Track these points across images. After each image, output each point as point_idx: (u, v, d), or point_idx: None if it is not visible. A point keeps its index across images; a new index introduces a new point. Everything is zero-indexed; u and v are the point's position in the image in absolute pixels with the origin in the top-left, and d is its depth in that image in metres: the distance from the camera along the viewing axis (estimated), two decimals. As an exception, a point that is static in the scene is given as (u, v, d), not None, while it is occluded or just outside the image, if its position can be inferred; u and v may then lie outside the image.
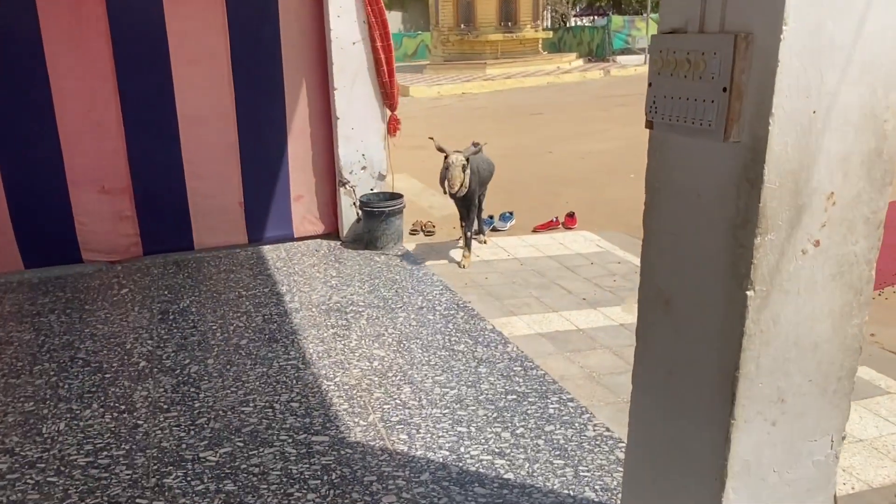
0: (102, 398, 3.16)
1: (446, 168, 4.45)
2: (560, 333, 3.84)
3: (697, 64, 1.58)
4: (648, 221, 1.88)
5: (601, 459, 2.71)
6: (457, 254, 5.02)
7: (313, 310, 4.07)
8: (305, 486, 2.55)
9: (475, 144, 4.76)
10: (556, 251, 5.20)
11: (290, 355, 3.54)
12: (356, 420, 2.98)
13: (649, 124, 1.78)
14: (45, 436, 2.87)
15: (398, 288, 4.38)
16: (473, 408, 3.06)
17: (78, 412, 3.05)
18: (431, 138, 4.43)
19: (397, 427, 2.92)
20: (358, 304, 4.15)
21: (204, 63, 4.71)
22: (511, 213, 5.93)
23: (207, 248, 5.04)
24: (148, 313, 4.05)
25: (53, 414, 3.03)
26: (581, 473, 2.63)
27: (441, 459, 2.71)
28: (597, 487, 2.55)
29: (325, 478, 2.60)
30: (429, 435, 2.86)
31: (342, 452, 2.75)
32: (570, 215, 5.90)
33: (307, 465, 2.67)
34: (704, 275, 1.69)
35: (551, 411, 3.03)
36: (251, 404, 3.10)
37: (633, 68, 19.51)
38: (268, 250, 5.08)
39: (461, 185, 4.45)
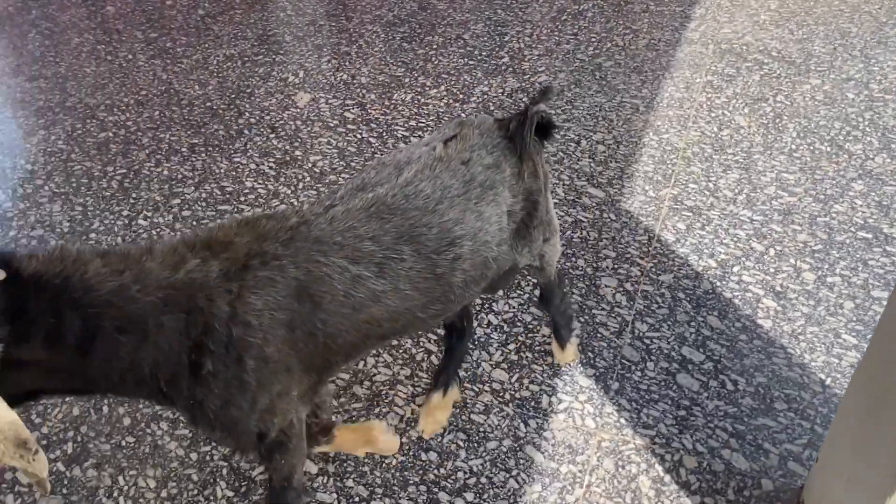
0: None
1: None
2: None
3: None
4: None
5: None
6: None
7: (707, 47, 3.34)
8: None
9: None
10: None
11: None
12: (646, 188, 2.54)
13: None
14: (395, 101, 3.16)
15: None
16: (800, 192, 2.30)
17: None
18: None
19: (682, 214, 2.40)
20: (758, 51, 3.24)
21: None
22: None
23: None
24: None
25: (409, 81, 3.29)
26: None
27: (710, 270, 2.18)
28: None
29: (575, 235, 2.36)
30: (712, 236, 2.30)
31: (606, 217, 2.42)
32: None
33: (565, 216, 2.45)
34: None
35: (902, 276, 2.09)
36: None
37: None
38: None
39: None
